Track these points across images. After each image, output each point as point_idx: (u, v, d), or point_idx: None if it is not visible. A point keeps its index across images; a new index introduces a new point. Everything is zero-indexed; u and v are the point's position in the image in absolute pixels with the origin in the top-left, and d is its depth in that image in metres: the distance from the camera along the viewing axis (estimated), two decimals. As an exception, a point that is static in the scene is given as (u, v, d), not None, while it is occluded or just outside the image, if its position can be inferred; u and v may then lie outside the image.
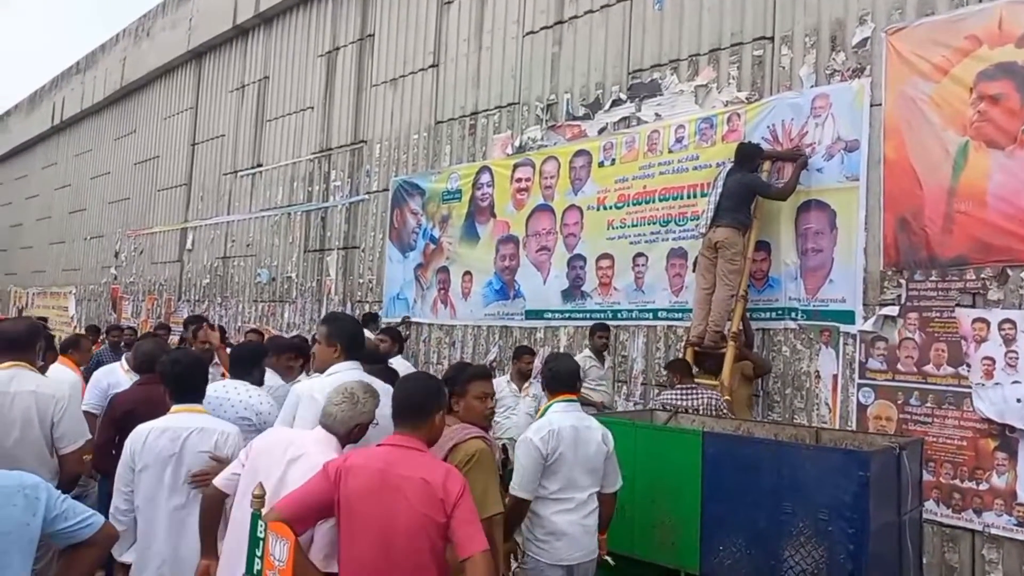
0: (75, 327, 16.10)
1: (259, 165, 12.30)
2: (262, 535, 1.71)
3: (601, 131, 7.20)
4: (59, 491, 2.05)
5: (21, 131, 22.71)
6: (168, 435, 3.06)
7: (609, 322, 6.62)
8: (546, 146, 7.70)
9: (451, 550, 2.31)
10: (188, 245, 13.97)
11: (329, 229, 10.64)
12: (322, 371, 3.19)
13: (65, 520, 2.00)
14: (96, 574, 2.16)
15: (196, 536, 2.84)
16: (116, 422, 3.65)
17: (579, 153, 7.31)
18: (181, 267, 14.11)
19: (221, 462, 2.99)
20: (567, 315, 7.29)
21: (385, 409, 2.75)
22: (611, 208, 6.97)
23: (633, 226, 6.77)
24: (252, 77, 12.73)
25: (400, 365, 5.44)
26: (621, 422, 4.26)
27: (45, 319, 15.81)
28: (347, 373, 3.01)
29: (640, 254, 6.70)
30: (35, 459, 3.17)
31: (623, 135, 6.96)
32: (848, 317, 5.36)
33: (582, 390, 5.77)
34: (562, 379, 3.53)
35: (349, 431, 2.67)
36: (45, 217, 20.70)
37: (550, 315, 7.45)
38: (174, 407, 3.16)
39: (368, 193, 9.95)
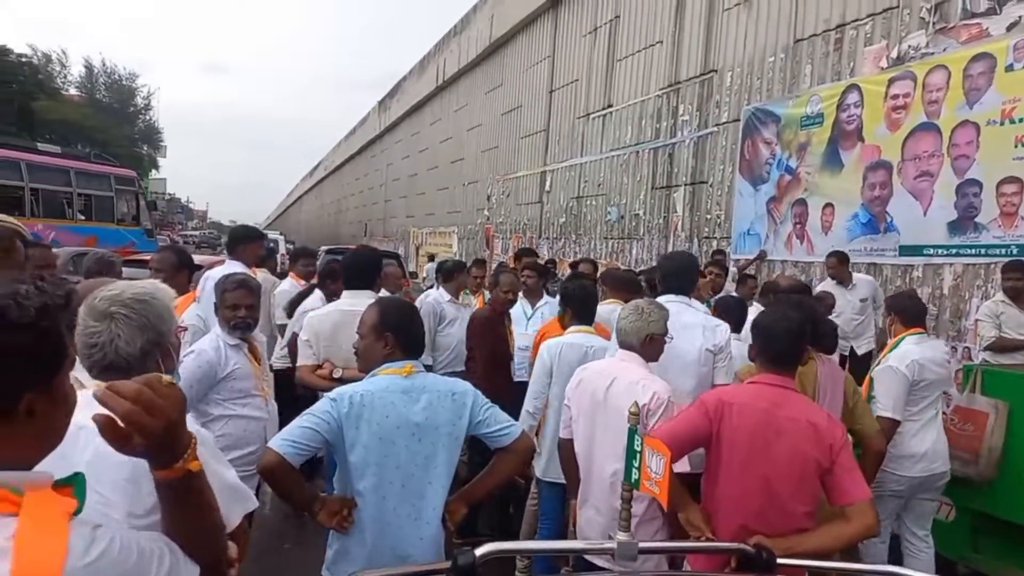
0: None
1: (609, 106, 12.67)
2: (639, 448, 1.81)
3: (1011, 27, 5.90)
4: (486, 400, 2.36)
5: (414, 93, 26.57)
6: (575, 349, 3.54)
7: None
8: (932, 54, 6.57)
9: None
10: (546, 187, 15.11)
11: (676, 165, 10.58)
12: None
13: (487, 426, 2.31)
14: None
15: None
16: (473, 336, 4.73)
17: (978, 58, 6.10)
18: (541, 208, 15.35)
19: None
20: (954, 251, 6.26)
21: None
22: (1021, 122, 5.73)
23: (1053, 141, 5.50)
24: (604, 19, 13.05)
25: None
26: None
27: (433, 255, 18.82)
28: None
29: (1062, 176, 5.42)
30: None
31: (1043, 28, 5.62)
32: None
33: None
34: (920, 313, 3.89)
35: (642, 342, 2.84)
36: (433, 167, 24.12)
37: (931, 251, 6.47)
38: (573, 328, 3.67)
39: (717, 125, 9.62)
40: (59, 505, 0.89)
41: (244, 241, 5.03)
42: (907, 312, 3.83)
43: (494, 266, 11.31)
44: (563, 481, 3.24)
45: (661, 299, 3.43)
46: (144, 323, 1.60)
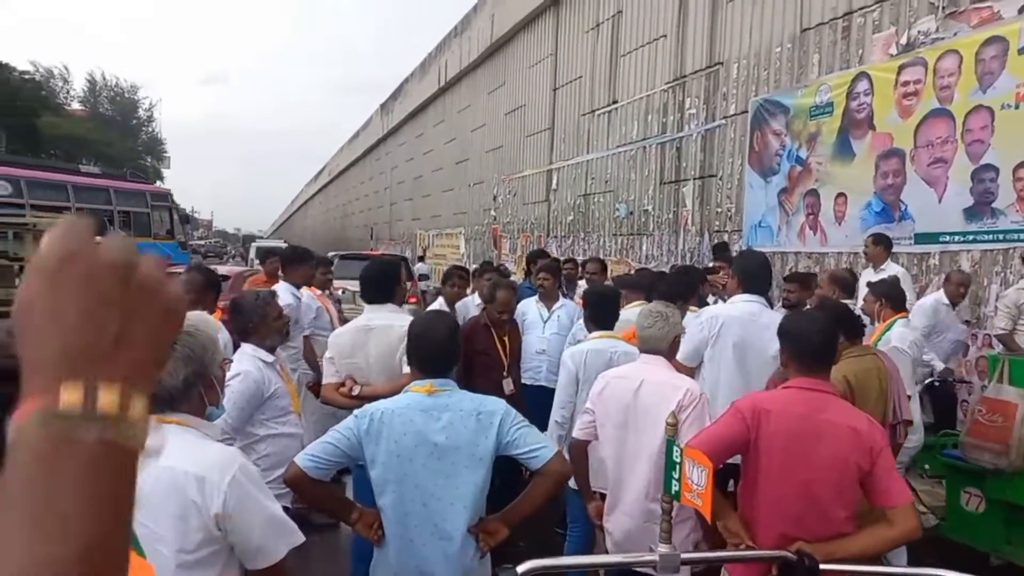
0: (466, 264, 18.64)
1: (615, 102, 12.62)
2: (678, 459, 1.78)
3: (1023, 9, 5.84)
4: (519, 420, 2.26)
5: (417, 95, 26.54)
6: (600, 355, 3.46)
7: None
8: (942, 39, 6.51)
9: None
10: (553, 185, 15.07)
11: (684, 159, 10.53)
12: None
13: (516, 447, 2.22)
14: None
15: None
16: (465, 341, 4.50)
17: (990, 41, 6.04)
18: (548, 206, 15.31)
19: None
20: (971, 237, 6.21)
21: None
22: (1036, 104, 5.67)
23: (1069, 124, 5.44)
24: (606, 14, 13.00)
25: None
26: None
27: (423, 255, 19.35)
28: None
29: (1080, 158, 5.37)
30: None
31: (1056, 9, 5.56)
32: None
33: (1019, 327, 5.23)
34: (904, 299, 4.35)
35: (670, 345, 2.92)
36: (438, 169, 24.10)
37: (948, 238, 6.42)
38: (596, 333, 3.60)
39: (725, 118, 9.57)
40: (145, 571, 0.85)
41: (295, 263, 5.23)
42: (894, 298, 4.27)
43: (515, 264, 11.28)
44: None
45: (736, 298, 3.72)
46: (188, 355, 1.61)
